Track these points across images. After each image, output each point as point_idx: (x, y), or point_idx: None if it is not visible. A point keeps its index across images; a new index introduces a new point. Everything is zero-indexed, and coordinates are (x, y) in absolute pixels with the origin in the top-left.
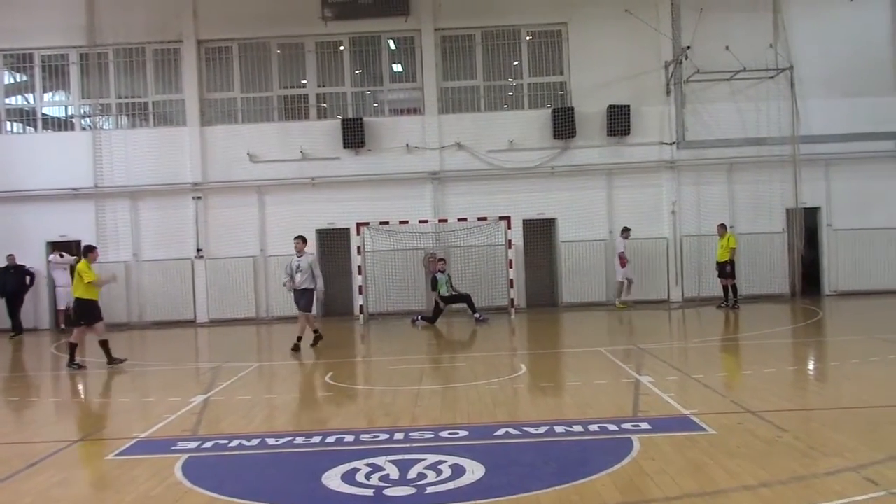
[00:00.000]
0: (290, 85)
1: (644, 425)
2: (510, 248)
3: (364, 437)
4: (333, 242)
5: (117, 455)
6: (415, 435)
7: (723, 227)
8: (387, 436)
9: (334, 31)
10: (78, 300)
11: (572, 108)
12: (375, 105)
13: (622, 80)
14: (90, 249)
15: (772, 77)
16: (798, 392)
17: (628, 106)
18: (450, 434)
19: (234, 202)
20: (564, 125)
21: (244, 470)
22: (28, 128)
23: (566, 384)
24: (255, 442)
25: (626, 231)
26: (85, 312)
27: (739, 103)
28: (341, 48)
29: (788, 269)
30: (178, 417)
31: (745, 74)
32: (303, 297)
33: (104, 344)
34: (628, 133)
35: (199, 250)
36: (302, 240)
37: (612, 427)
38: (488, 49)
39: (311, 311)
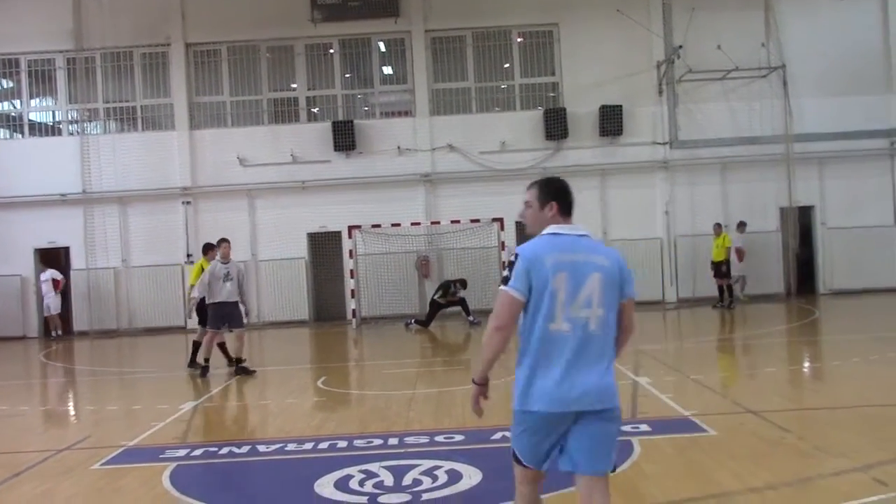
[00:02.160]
0: (279, 88)
1: (644, 427)
2: (503, 249)
3: (357, 442)
4: (325, 246)
5: (103, 464)
6: (409, 440)
7: (718, 226)
8: (381, 441)
9: (324, 33)
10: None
11: (564, 109)
12: (366, 108)
13: (614, 80)
14: (209, 248)
15: (764, 76)
16: (800, 392)
17: (620, 106)
18: (445, 439)
19: (224, 206)
20: (556, 126)
21: (234, 478)
22: (15, 133)
23: None
24: (245, 449)
25: (742, 226)
26: (202, 313)
27: (732, 102)
28: (331, 50)
29: (783, 268)
30: (166, 425)
31: (738, 73)
32: (235, 311)
33: (222, 346)
34: (621, 133)
35: (188, 255)
36: (228, 243)
37: None
38: (479, 50)
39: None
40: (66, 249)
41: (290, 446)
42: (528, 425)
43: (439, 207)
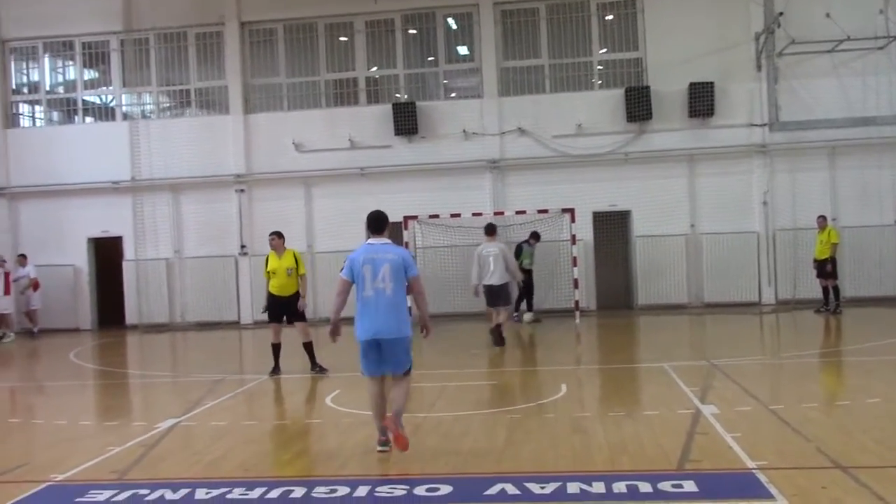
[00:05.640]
0: (338, 68)
1: (688, 485)
2: (574, 243)
3: (318, 490)
4: None
5: None
6: (382, 490)
7: (823, 219)
8: (347, 489)
9: (386, 8)
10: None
11: (648, 88)
12: (430, 88)
13: (705, 54)
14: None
15: (881, 47)
16: None
17: (712, 83)
18: (427, 491)
19: (280, 195)
20: (639, 106)
21: None
22: (69, 118)
23: (607, 415)
24: (180, 494)
25: None
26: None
27: (843, 78)
28: (393, 27)
29: None
30: (122, 451)
31: (850, 44)
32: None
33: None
34: (712, 114)
35: (243, 246)
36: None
37: (645, 487)
38: (554, 24)
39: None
40: (119, 239)
41: (236, 492)
42: (362, 348)
43: (508, 196)
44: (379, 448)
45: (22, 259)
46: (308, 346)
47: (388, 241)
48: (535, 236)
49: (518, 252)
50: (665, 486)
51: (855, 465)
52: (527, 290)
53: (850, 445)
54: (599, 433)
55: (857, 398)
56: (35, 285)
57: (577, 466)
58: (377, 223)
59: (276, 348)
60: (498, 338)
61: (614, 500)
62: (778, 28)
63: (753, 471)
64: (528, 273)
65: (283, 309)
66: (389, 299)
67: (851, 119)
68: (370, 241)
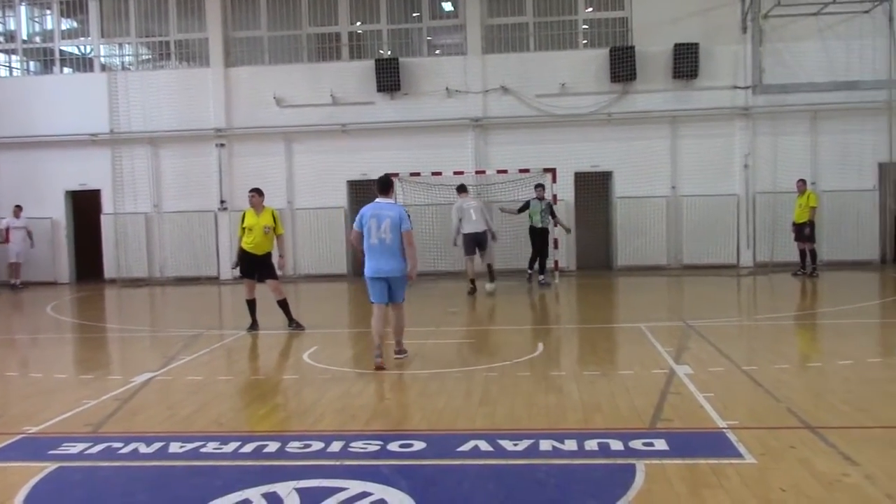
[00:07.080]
0: (321, 22)
1: (660, 443)
2: (555, 203)
3: (292, 445)
4: (366, 195)
5: None
6: (356, 446)
7: (803, 182)
8: (320, 445)
9: None
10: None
11: (633, 48)
12: (414, 44)
13: (691, 15)
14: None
15: (867, 11)
16: (882, 399)
17: (697, 44)
18: (401, 447)
19: (260, 150)
20: (624, 67)
21: (109, 492)
22: (47, 68)
23: (582, 374)
24: (154, 448)
25: None
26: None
27: (827, 41)
28: None
29: (879, 232)
30: (97, 404)
31: (836, 8)
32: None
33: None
34: (696, 76)
35: (222, 202)
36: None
37: (616, 445)
38: None
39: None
40: (98, 192)
41: (210, 446)
42: (369, 283)
43: (490, 155)
44: (376, 368)
45: (17, 210)
46: (282, 304)
47: (392, 200)
48: (541, 187)
49: (525, 207)
50: (636, 444)
51: (823, 425)
52: (539, 250)
53: (819, 406)
54: (574, 392)
55: (829, 360)
56: (7, 238)
57: (550, 424)
58: (384, 186)
59: (252, 304)
60: (490, 274)
61: (586, 458)
62: None
63: (724, 430)
64: (541, 232)
65: (256, 267)
66: (389, 247)
67: (834, 83)
68: (378, 200)
